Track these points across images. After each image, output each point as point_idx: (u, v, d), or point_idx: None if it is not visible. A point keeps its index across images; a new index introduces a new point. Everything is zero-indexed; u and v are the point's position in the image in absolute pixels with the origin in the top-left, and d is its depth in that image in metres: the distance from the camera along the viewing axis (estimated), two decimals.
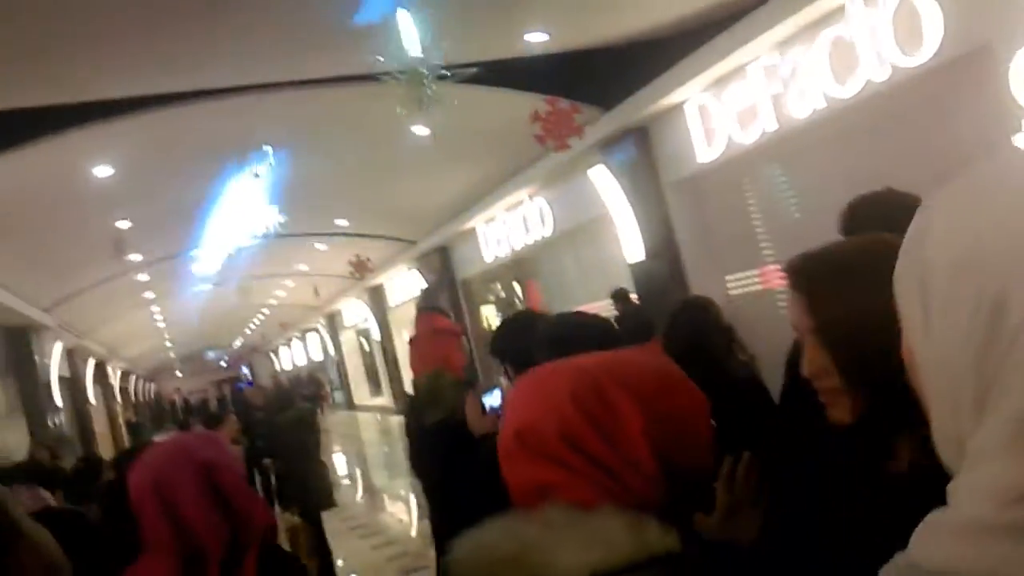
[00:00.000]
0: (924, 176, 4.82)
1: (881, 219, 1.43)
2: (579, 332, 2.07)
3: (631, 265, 8.94)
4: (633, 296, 8.56)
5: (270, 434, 7.49)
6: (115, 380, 23.07)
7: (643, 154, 8.51)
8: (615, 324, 2.37)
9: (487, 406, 2.49)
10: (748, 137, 7.12)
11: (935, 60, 5.23)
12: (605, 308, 9.63)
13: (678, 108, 7.83)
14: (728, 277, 7.97)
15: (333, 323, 26.18)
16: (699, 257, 8.27)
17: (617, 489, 1.00)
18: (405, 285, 17.66)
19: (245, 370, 39.99)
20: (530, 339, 2.15)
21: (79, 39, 5.55)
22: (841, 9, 5.77)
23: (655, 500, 1.01)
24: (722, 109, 7.33)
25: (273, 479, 7.37)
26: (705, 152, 7.70)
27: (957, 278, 0.54)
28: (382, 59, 5.72)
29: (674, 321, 3.21)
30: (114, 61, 6.05)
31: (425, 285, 15.59)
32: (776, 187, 7.19)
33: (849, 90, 5.91)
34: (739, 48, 6.60)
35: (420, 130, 8.13)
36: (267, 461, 7.47)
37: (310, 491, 6.42)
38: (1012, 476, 0.51)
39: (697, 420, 1.08)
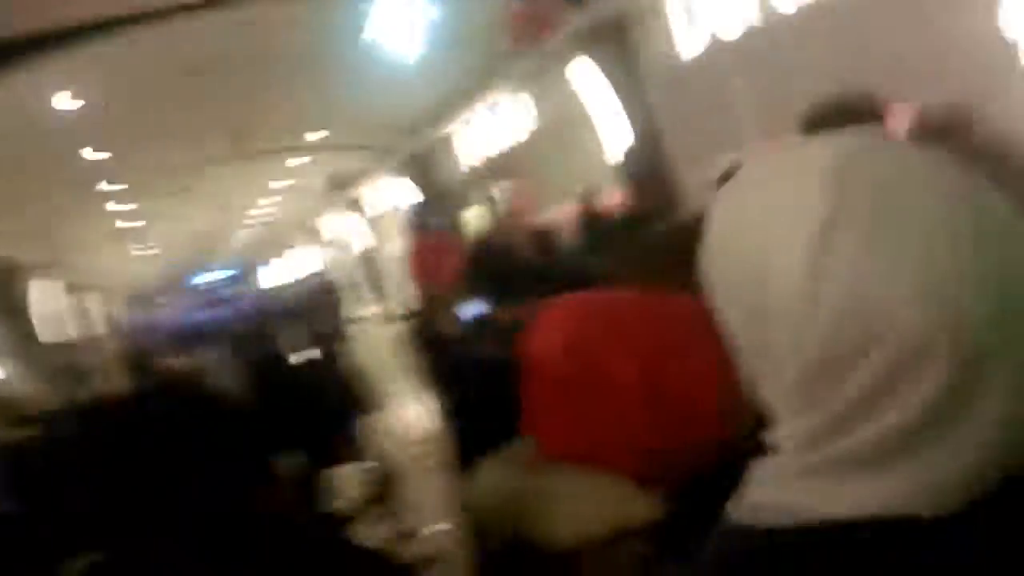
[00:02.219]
0: (924, 71, 4.71)
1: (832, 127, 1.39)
2: None
3: (614, 163, 8.91)
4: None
5: None
6: None
7: (624, 48, 8.34)
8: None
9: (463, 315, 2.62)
10: (734, 30, 6.99)
11: None
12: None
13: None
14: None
15: (320, 238, 26.04)
16: (683, 151, 8.23)
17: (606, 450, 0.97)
18: (389, 194, 17.48)
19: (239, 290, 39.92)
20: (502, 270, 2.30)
21: None
22: None
23: (647, 473, 0.96)
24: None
25: None
26: (687, 45, 7.57)
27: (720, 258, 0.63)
28: None
29: None
30: None
31: (412, 192, 15.43)
32: (764, 79, 7.07)
33: None
34: None
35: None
36: None
37: None
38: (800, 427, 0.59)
39: (708, 387, 0.92)
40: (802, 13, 6.21)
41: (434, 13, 5.77)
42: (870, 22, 5.62)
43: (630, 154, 8.58)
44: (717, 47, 7.26)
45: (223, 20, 7.07)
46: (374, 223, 19.37)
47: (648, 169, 8.38)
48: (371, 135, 14.49)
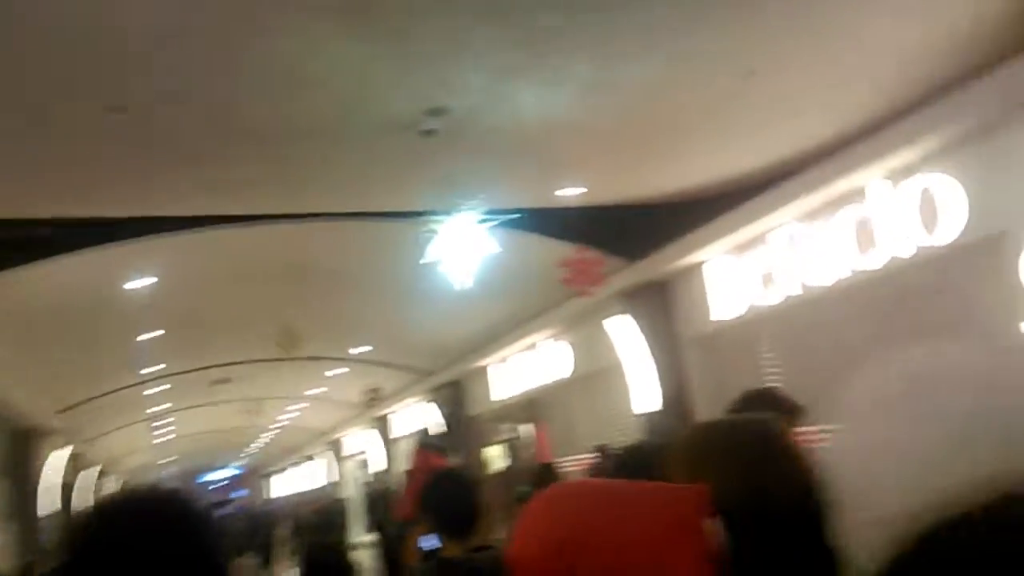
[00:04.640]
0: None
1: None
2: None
3: (639, 415, 8.96)
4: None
5: None
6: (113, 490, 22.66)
7: (662, 307, 8.72)
8: None
9: (422, 546, 2.64)
10: (768, 300, 7.33)
11: (954, 242, 5.54)
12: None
13: (699, 267, 8.12)
14: None
15: (336, 450, 25.82)
16: (713, 412, 8.29)
17: None
18: (413, 417, 17.57)
19: (241, 494, 39.03)
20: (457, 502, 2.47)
21: (139, 160, 5.91)
22: (862, 190, 6.14)
23: None
24: (743, 271, 7.60)
25: None
26: (723, 310, 7.91)
27: None
28: (425, 200, 6.09)
29: None
30: (169, 182, 6.41)
31: (437, 418, 15.53)
32: (794, 349, 7.31)
33: (871, 263, 6.18)
34: (762, 216, 6.93)
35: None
36: None
37: None
38: None
39: None
40: (837, 288, 6.55)
41: (492, 249, 6.20)
42: (900, 300, 5.91)
43: (658, 408, 8.65)
44: (752, 313, 7.56)
45: (290, 232, 7.67)
46: (395, 444, 19.28)
47: (674, 424, 8.40)
48: (411, 357, 14.90)
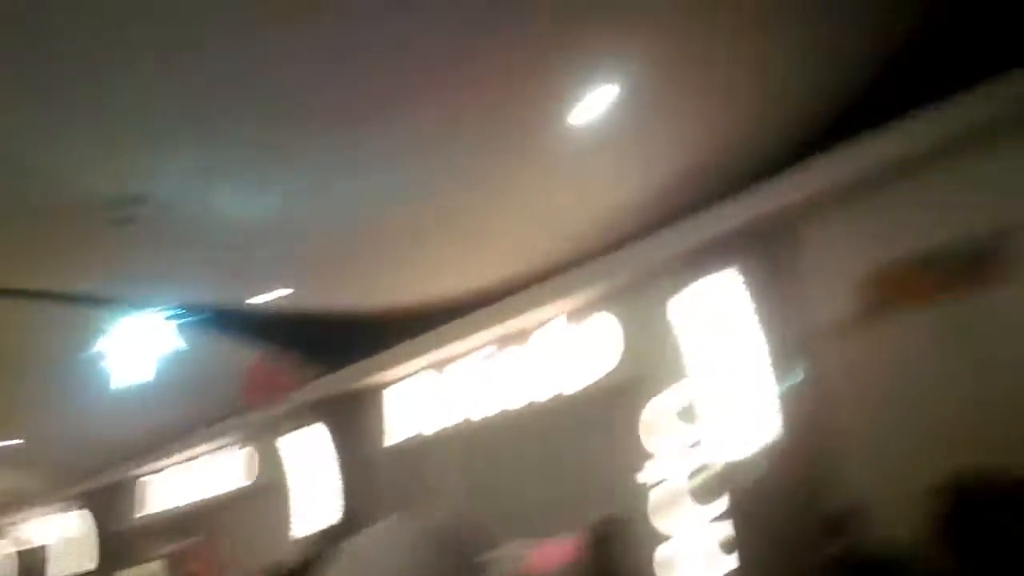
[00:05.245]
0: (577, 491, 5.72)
1: None
2: None
3: (319, 530, 8.72)
4: None
5: None
6: None
7: (352, 421, 8.73)
8: None
9: None
10: (450, 421, 7.73)
11: (604, 382, 6.38)
12: None
13: (390, 384, 8.36)
14: None
15: None
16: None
17: None
18: (55, 526, 15.32)
19: None
20: None
21: None
22: (535, 329, 6.86)
23: None
24: (429, 392, 7.98)
25: None
26: (408, 428, 8.15)
27: None
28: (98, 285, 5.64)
29: None
30: None
31: (86, 528, 13.71)
32: (470, 471, 7.67)
33: (539, 396, 6.84)
34: (450, 343, 7.40)
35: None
36: None
37: None
38: None
39: None
40: (511, 416, 7.13)
41: (175, 347, 5.84)
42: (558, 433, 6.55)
43: (340, 522, 8.49)
44: (435, 433, 7.87)
45: None
46: (28, 557, 16.57)
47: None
48: (61, 458, 13.09)
